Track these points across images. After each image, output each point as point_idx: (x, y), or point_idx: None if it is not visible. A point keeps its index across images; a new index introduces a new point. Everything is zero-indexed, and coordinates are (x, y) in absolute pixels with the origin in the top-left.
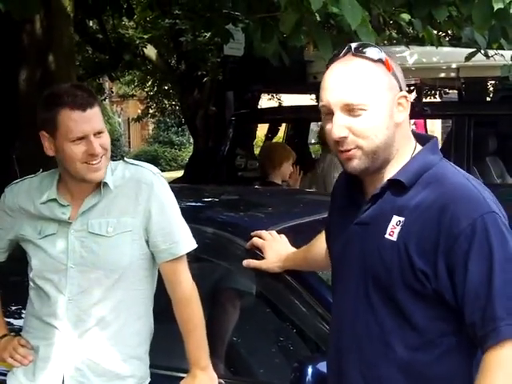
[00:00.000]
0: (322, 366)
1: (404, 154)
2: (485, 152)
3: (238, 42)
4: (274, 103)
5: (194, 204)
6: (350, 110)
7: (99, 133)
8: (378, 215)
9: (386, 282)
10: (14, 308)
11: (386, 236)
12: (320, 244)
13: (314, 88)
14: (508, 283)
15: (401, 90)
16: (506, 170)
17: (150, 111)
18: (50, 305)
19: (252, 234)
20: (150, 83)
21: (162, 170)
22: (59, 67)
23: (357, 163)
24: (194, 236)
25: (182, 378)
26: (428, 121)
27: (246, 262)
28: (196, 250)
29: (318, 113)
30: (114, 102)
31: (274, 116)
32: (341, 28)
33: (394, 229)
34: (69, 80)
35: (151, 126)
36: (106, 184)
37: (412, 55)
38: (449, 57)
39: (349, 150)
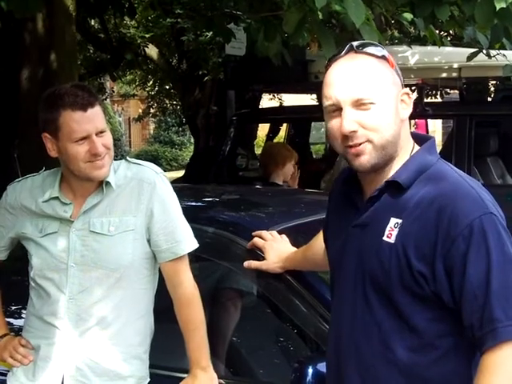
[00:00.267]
0: (322, 367)
1: (404, 154)
2: (486, 152)
3: (240, 41)
4: (275, 103)
5: (194, 204)
6: (359, 104)
7: (101, 132)
8: (376, 217)
9: (384, 284)
10: (14, 307)
11: (384, 238)
12: (319, 243)
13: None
14: (506, 284)
15: (403, 87)
16: (507, 170)
17: (151, 111)
18: (51, 304)
19: (253, 234)
20: (151, 83)
21: (163, 170)
22: (61, 66)
23: (366, 159)
24: (195, 236)
25: (183, 378)
26: (429, 121)
27: (246, 263)
28: (197, 250)
29: (320, 113)
30: (115, 101)
31: (275, 116)
32: (344, 26)
33: (391, 231)
34: (71, 79)
35: (152, 126)
36: (108, 183)
37: (414, 55)
38: (450, 57)
39: (358, 145)
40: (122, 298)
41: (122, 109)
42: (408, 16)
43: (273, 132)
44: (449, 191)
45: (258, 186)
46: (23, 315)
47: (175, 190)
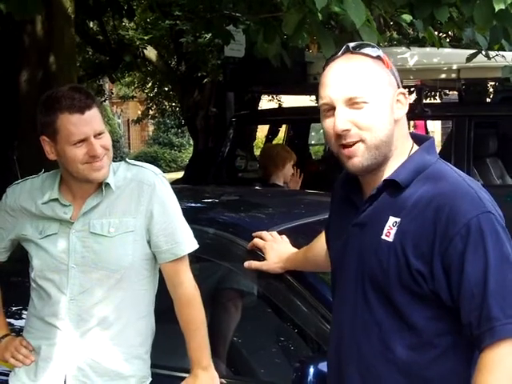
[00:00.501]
0: (324, 366)
1: (401, 154)
2: (485, 153)
3: (239, 43)
4: (274, 104)
5: (194, 205)
6: (352, 103)
7: (99, 134)
8: (375, 216)
9: (383, 283)
10: (14, 308)
11: (383, 237)
12: (320, 244)
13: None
14: (503, 283)
15: (398, 87)
16: (506, 171)
17: (150, 112)
18: (52, 305)
19: (253, 234)
20: (150, 84)
21: (162, 171)
22: (60, 68)
23: (358, 160)
24: (196, 237)
25: (184, 377)
26: (428, 122)
27: (247, 264)
28: (197, 251)
29: (318, 114)
30: (114, 103)
31: (275, 117)
32: (343, 28)
33: (390, 230)
34: (70, 81)
35: (151, 128)
36: (107, 185)
37: (412, 56)
38: (449, 58)
39: (351, 145)
40: (122, 299)
41: (121, 110)
42: (407, 17)
43: (272, 133)
44: (447, 190)
45: (258, 188)
46: (24, 316)
47: (175, 192)
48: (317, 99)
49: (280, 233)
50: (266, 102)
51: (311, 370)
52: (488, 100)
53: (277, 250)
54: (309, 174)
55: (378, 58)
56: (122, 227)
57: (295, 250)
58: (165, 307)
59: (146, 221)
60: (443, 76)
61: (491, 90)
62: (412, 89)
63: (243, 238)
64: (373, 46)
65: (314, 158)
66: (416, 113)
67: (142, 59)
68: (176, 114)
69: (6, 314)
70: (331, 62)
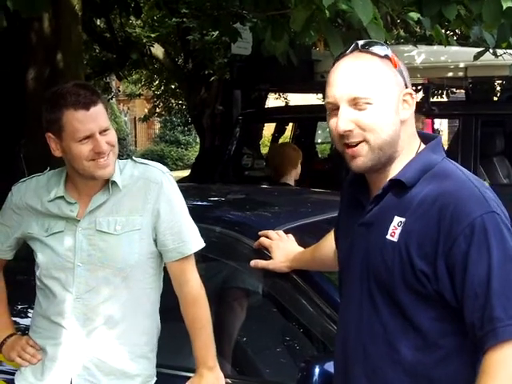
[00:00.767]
0: (329, 366)
1: (408, 153)
2: (492, 152)
3: (246, 40)
4: (280, 102)
5: (201, 203)
6: (355, 103)
7: (105, 130)
8: (381, 216)
9: (387, 283)
10: (20, 307)
11: (388, 237)
12: (328, 244)
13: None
14: (507, 283)
15: (406, 87)
16: None
17: (157, 110)
18: (57, 304)
19: (259, 233)
20: (157, 82)
21: (169, 170)
22: (67, 66)
23: (362, 161)
24: (202, 235)
25: (189, 377)
26: (435, 120)
27: (253, 263)
28: (203, 250)
29: (325, 112)
30: (121, 100)
31: (281, 115)
32: (350, 25)
33: (395, 229)
34: (77, 79)
35: (158, 125)
36: (114, 183)
37: (420, 54)
38: (456, 56)
39: (355, 146)
40: (128, 298)
41: (128, 108)
42: (414, 15)
43: (279, 132)
44: (452, 190)
45: (268, 186)
46: (30, 315)
47: (181, 190)
48: (323, 97)
49: (286, 232)
50: (273, 100)
51: (317, 369)
52: (495, 98)
53: (283, 249)
54: (315, 173)
55: (386, 57)
56: (129, 225)
57: (301, 249)
58: (170, 306)
59: (153, 219)
60: (450, 74)
61: (498, 88)
62: (419, 87)
63: (249, 237)
64: (382, 45)
65: (320, 156)
66: (423, 111)
67: (148, 57)
68: (183, 112)
69: (11, 313)
70: (339, 60)
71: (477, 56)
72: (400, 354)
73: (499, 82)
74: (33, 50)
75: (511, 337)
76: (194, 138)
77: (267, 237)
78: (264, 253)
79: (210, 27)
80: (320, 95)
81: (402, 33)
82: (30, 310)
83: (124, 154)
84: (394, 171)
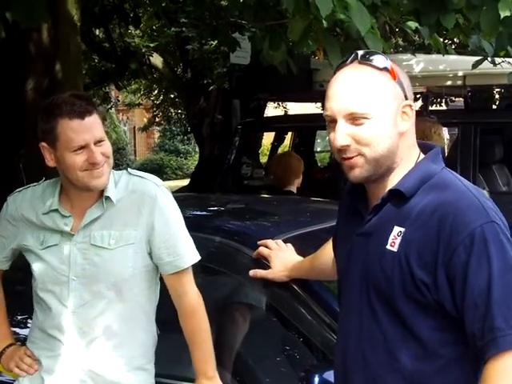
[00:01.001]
0: (329, 375)
1: (408, 163)
2: (491, 160)
3: (245, 50)
4: (279, 111)
5: (200, 213)
6: (353, 118)
7: (100, 141)
8: (380, 225)
9: (387, 293)
10: (20, 317)
11: (387, 247)
12: (327, 253)
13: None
14: (507, 293)
15: (406, 99)
16: None
17: (156, 120)
18: (53, 317)
19: (258, 243)
20: (156, 92)
21: (168, 179)
22: (66, 76)
23: (359, 172)
24: (201, 245)
25: None
26: None
27: (252, 272)
28: (202, 259)
29: (325, 121)
30: (120, 110)
31: (280, 124)
32: (348, 35)
33: (395, 239)
34: (76, 89)
35: (157, 135)
36: (108, 198)
37: (418, 63)
38: (455, 65)
39: (351, 158)
40: (123, 311)
41: (127, 118)
42: (412, 24)
43: (278, 141)
44: (451, 200)
45: (269, 196)
46: (29, 325)
47: (180, 199)
48: (323, 106)
49: (285, 241)
50: (272, 110)
51: (316, 379)
52: (494, 107)
53: (282, 258)
54: (315, 182)
55: (385, 69)
56: (123, 239)
57: (300, 258)
58: (169, 316)
59: (147, 233)
60: (449, 83)
61: (497, 96)
62: (418, 96)
63: (249, 247)
64: (382, 55)
65: (319, 165)
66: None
67: (147, 66)
68: (182, 122)
69: (11, 323)
70: (338, 71)
71: (475, 64)
72: (400, 362)
73: (498, 90)
74: (32, 61)
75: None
76: (193, 148)
77: (266, 246)
78: (263, 262)
79: (208, 37)
80: (319, 104)
81: (400, 42)
82: (29, 321)
83: (123, 163)
84: (393, 181)
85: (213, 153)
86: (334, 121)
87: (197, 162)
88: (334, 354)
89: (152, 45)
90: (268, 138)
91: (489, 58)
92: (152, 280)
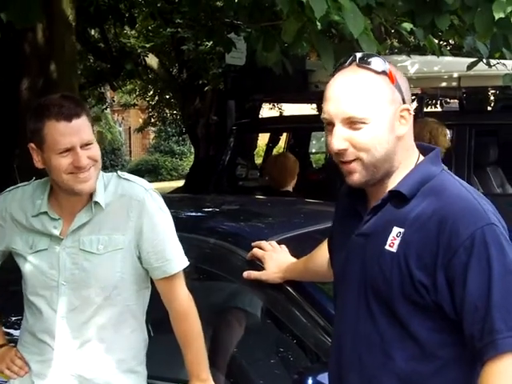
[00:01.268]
0: (322, 377)
1: (407, 165)
2: (485, 161)
3: (240, 51)
4: (275, 112)
5: (194, 214)
6: (350, 122)
7: (87, 144)
8: (379, 226)
9: (385, 293)
10: (14, 318)
11: (386, 247)
12: (321, 254)
13: (316, 97)
14: (507, 295)
15: (404, 102)
16: (507, 179)
17: (152, 120)
18: (43, 321)
19: (252, 244)
20: (151, 92)
21: (163, 180)
22: (61, 76)
23: (357, 177)
24: (195, 246)
25: None
26: None
27: (246, 274)
28: (196, 261)
29: (320, 122)
30: (116, 111)
31: (276, 125)
32: (343, 36)
33: (394, 240)
34: (70, 89)
35: (152, 135)
36: (97, 203)
37: (413, 65)
38: (450, 66)
39: (349, 162)
40: (113, 315)
41: (123, 118)
42: (407, 26)
43: (273, 142)
44: (451, 202)
45: (264, 197)
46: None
47: (175, 200)
48: (318, 107)
49: (279, 242)
50: (267, 111)
51: (310, 381)
52: (489, 108)
53: (276, 259)
54: (310, 183)
55: (384, 73)
56: (111, 244)
57: (294, 259)
58: (161, 318)
59: (136, 237)
60: (444, 84)
61: (492, 98)
62: (413, 97)
63: (243, 248)
64: (380, 58)
65: (314, 166)
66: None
67: (143, 67)
68: (177, 122)
69: (4, 324)
70: (337, 73)
71: (470, 66)
72: (396, 363)
73: (493, 91)
74: (26, 61)
75: (511, 348)
76: (188, 148)
77: (260, 248)
78: (257, 264)
79: (204, 37)
80: (314, 105)
81: (395, 43)
82: (21, 322)
83: (119, 164)
84: (392, 183)
85: (208, 154)
86: (331, 124)
87: (192, 163)
88: (327, 356)
89: (147, 45)
90: (263, 139)
91: (484, 60)
92: (142, 284)
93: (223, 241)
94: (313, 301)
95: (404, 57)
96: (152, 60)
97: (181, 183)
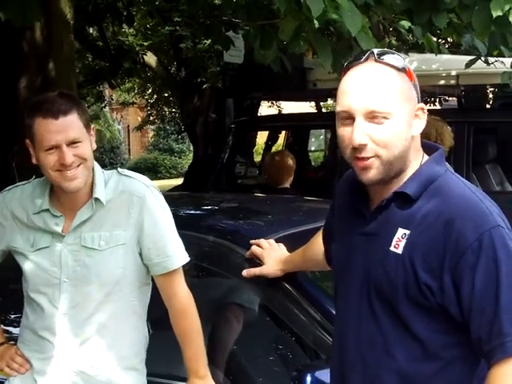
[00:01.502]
0: (321, 374)
1: (413, 165)
2: (484, 159)
3: (238, 49)
4: (273, 110)
5: (193, 212)
6: (372, 117)
7: (75, 142)
8: (384, 227)
9: (389, 294)
10: (13, 316)
11: (391, 248)
12: (318, 243)
13: (314, 95)
14: None
15: (418, 102)
16: (506, 177)
17: (150, 118)
18: (45, 318)
19: (251, 242)
20: (150, 90)
21: (162, 178)
22: (59, 74)
23: (373, 174)
24: (194, 244)
25: None
26: None
27: (245, 272)
28: (196, 258)
29: (318, 120)
30: (114, 109)
31: (274, 123)
32: (341, 34)
33: (399, 241)
34: (69, 87)
35: (151, 134)
36: (97, 199)
37: (411, 62)
38: (448, 64)
39: (367, 159)
40: (114, 312)
41: (121, 117)
42: (405, 24)
43: (271, 140)
44: (457, 204)
45: (262, 195)
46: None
47: (174, 198)
48: (316, 105)
49: (278, 240)
50: (266, 109)
51: (308, 378)
52: (487, 106)
53: (274, 257)
54: (308, 181)
55: (403, 69)
56: (113, 240)
57: None
58: (161, 315)
59: (137, 233)
60: (442, 82)
61: (490, 96)
62: None
63: (242, 246)
64: (398, 55)
65: (313, 164)
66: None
67: (141, 65)
68: (176, 120)
69: (3, 322)
70: (352, 68)
71: (468, 64)
72: (398, 363)
73: (491, 89)
74: (25, 59)
75: None
76: (187, 146)
77: (259, 245)
78: (256, 262)
79: (202, 35)
80: (313, 103)
81: (393, 41)
82: (21, 320)
83: (117, 162)
84: (397, 183)
85: (207, 152)
86: (350, 117)
87: (191, 161)
88: (326, 354)
89: (146, 43)
90: (262, 136)
91: (482, 58)
92: (143, 280)
93: (222, 239)
94: (311, 298)
95: (402, 55)
96: (150, 58)
97: (180, 181)
